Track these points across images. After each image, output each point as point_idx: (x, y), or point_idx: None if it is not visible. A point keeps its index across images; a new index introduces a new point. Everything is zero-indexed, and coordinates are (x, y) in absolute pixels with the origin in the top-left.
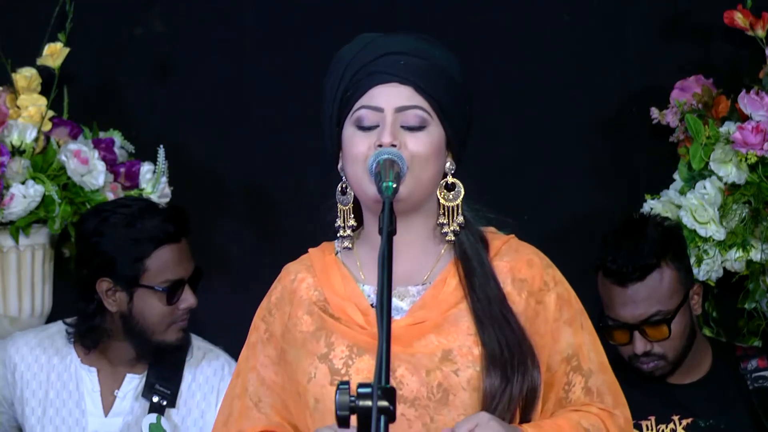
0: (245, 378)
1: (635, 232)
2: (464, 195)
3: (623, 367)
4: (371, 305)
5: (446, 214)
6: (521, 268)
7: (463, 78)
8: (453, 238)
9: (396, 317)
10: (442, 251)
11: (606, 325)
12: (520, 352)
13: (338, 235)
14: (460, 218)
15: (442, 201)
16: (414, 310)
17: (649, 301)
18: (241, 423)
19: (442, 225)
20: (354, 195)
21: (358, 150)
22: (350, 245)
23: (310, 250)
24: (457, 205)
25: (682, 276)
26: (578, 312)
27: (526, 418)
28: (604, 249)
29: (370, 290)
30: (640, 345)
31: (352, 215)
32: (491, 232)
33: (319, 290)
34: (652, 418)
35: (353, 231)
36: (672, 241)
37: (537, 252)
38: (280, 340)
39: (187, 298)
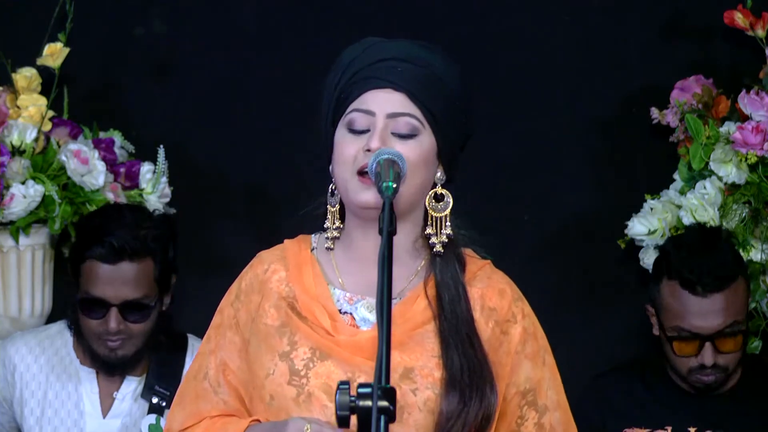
0: (206, 360)
1: (709, 242)
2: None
3: (642, 374)
4: (339, 311)
5: (434, 224)
6: (492, 296)
7: (463, 89)
8: (441, 250)
9: (363, 328)
10: (419, 267)
11: (676, 336)
12: (480, 377)
13: (326, 236)
14: (448, 230)
15: (430, 211)
16: None
17: (727, 312)
18: (198, 404)
19: (429, 236)
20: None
21: (347, 153)
22: (332, 244)
23: (286, 241)
24: (445, 216)
25: (749, 289)
26: (542, 347)
27: None
28: (675, 258)
29: (341, 295)
30: (709, 357)
31: (339, 217)
32: (469, 255)
33: (290, 286)
34: (669, 428)
35: (339, 233)
36: (740, 254)
37: (510, 282)
38: (243, 329)
39: (107, 322)
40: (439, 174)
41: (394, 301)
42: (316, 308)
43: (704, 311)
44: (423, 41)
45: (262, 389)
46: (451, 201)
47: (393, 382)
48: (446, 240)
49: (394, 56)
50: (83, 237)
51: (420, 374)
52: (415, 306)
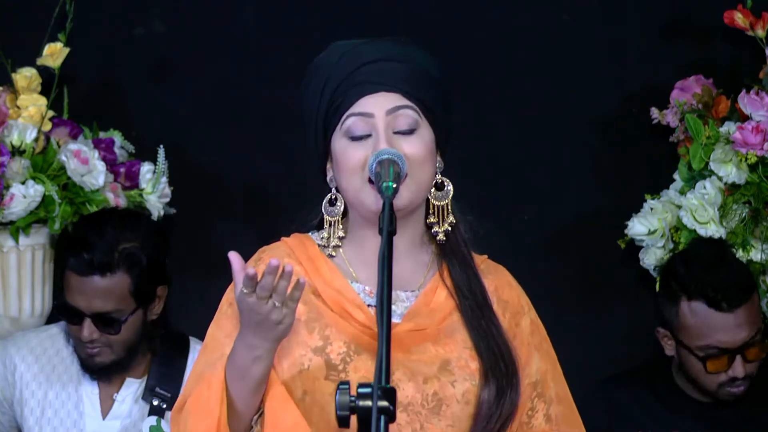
0: (220, 343)
1: (722, 257)
2: (452, 195)
3: (649, 379)
4: (365, 304)
5: (436, 213)
6: (504, 288)
7: (444, 75)
8: (443, 239)
9: (393, 320)
10: (430, 260)
11: (708, 355)
12: (513, 365)
13: (329, 245)
14: (451, 218)
15: (432, 200)
16: (410, 316)
17: (750, 323)
18: (203, 374)
19: (431, 225)
20: (343, 206)
21: (354, 162)
22: (334, 254)
23: (284, 239)
24: (447, 204)
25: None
26: (544, 339)
27: None
28: (691, 278)
29: (360, 288)
30: (740, 369)
31: (341, 227)
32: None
33: (308, 280)
34: None
35: (341, 241)
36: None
37: (511, 275)
38: None
39: (81, 330)
40: (438, 163)
41: (414, 294)
42: (345, 302)
43: (730, 326)
44: (397, 37)
45: (293, 384)
46: (451, 189)
47: (432, 374)
48: (449, 228)
49: (379, 57)
50: (64, 246)
51: (457, 366)
52: (436, 297)
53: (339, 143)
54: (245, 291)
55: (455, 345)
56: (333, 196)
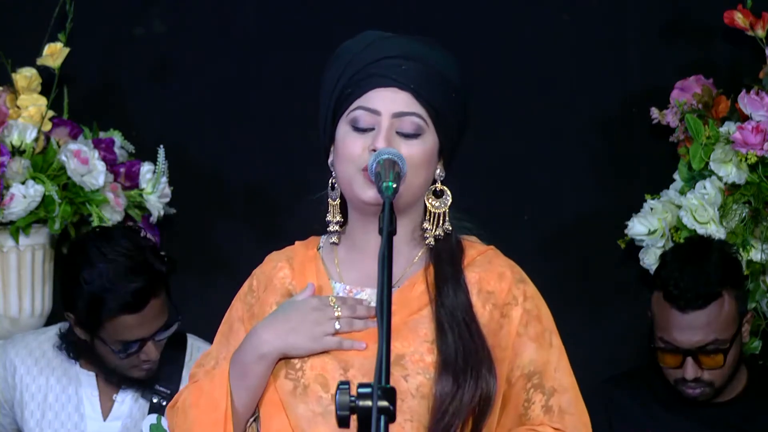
0: (216, 351)
1: (699, 256)
2: (451, 203)
3: (650, 379)
4: None
5: (432, 220)
6: (490, 280)
7: (463, 83)
8: (432, 243)
9: None
10: (416, 257)
11: (658, 347)
12: (475, 359)
13: (327, 229)
14: (447, 225)
15: (429, 207)
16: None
17: (708, 329)
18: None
19: (425, 230)
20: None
21: (352, 150)
22: (337, 240)
23: (297, 243)
24: (444, 213)
25: (740, 305)
26: (547, 329)
27: (478, 427)
28: (665, 270)
29: (340, 288)
30: (691, 371)
31: (339, 211)
32: (470, 242)
33: (293, 284)
34: None
35: (341, 227)
36: (734, 270)
37: (512, 265)
38: (247, 324)
39: (148, 353)
40: (438, 170)
41: (392, 291)
42: None
43: (684, 326)
44: (423, 36)
45: None
46: (449, 199)
47: None
48: (441, 234)
49: (398, 54)
50: (94, 298)
51: (410, 360)
52: (412, 292)
53: (342, 129)
54: (332, 299)
55: (415, 339)
56: (333, 180)
